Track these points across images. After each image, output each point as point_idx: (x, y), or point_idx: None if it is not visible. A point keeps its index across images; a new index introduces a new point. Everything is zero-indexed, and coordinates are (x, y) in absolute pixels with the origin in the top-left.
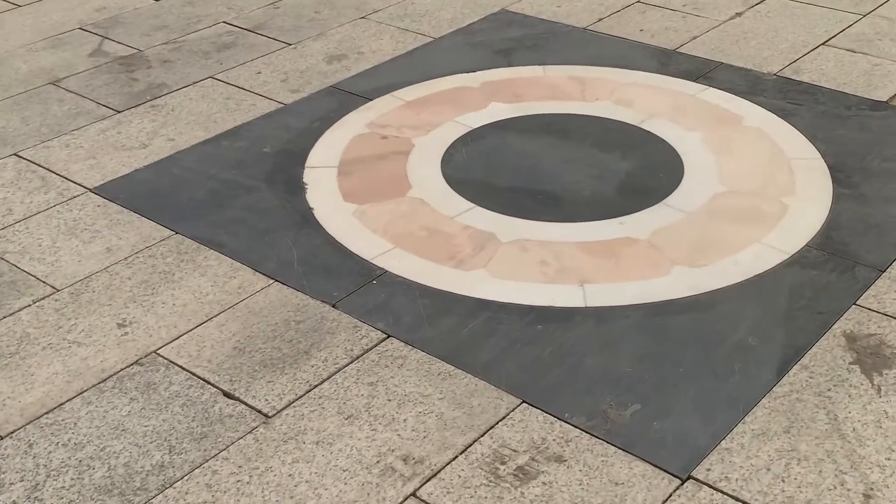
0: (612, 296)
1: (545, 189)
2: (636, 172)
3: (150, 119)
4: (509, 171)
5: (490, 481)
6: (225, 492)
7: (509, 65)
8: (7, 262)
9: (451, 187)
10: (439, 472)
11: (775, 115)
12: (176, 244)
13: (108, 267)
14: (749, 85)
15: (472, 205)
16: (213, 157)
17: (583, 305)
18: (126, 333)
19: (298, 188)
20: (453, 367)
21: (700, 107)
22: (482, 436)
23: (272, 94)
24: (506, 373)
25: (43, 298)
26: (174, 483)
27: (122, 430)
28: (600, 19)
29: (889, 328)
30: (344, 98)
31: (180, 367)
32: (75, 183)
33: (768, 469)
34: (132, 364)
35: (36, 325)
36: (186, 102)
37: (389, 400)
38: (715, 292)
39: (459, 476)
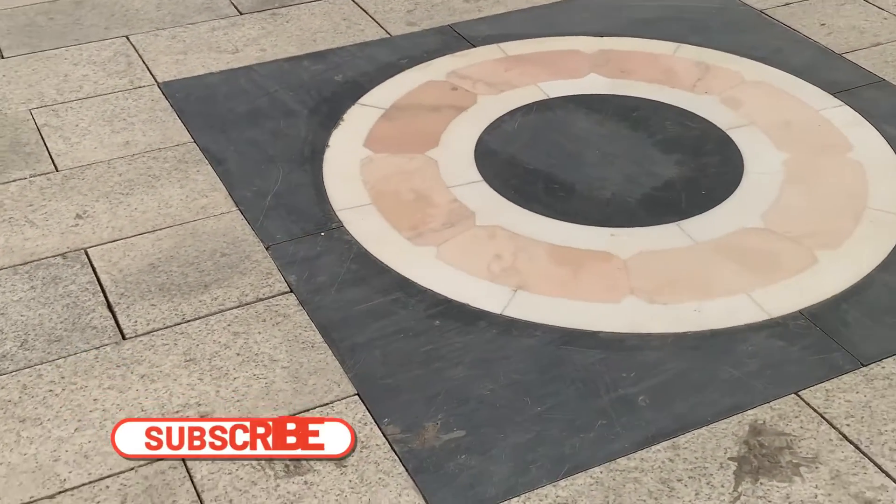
0: (537, 310)
1: (566, 180)
2: (677, 184)
3: (260, 27)
4: (545, 153)
5: (258, 465)
6: (33, 397)
7: (644, 35)
8: (40, 134)
9: (475, 155)
10: None
11: (895, 152)
12: (185, 152)
13: (112, 159)
14: (893, 111)
15: (480, 178)
16: (284, 74)
17: (498, 312)
18: (77, 225)
19: (333, 123)
20: (322, 340)
21: (813, 125)
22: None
23: (386, 23)
24: (365, 360)
25: (39, 175)
26: (0, 375)
27: (1, 314)
28: (787, 3)
29: (811, 434)
30: (451, 40)
31: (93, 269)
32: (151, 74)
33: None
34: (58, 255)
35: (15, 199)
36: (305, 16)
37: (238, 355)
38: (649, 336)
39: None
